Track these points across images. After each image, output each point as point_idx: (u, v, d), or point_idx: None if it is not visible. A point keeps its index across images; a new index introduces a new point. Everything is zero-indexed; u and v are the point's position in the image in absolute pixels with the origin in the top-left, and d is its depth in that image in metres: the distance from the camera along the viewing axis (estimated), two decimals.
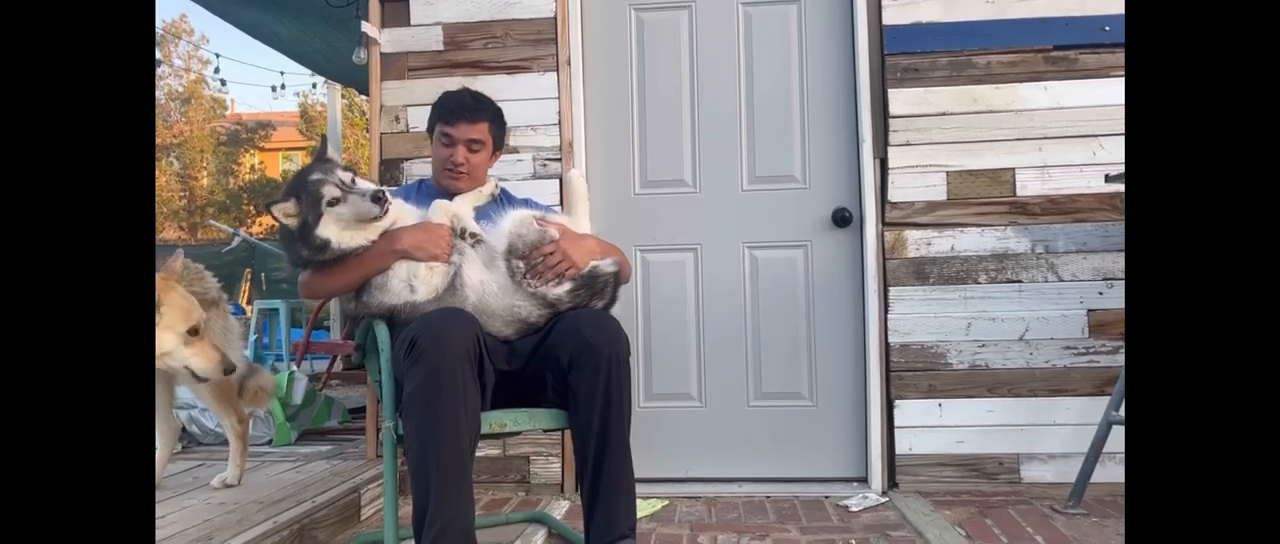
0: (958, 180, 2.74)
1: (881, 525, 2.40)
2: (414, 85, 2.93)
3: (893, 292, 2.76)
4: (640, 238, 2.93)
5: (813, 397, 2.88)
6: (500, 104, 2.31)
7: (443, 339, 1.74)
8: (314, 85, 12.55)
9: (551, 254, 1.99)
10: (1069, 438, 2.65)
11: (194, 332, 2.02)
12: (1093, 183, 2.67)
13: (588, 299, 2.02)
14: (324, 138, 2.15)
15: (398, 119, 2.94)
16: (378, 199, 1.90)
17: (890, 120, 2.76)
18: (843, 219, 2.83)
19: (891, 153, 2.76)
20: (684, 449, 2.91)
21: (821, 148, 2.89)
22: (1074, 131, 2.70)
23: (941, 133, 2.74)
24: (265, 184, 18.32)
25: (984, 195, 2.74)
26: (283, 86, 17.18)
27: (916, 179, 2.75)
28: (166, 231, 17.10)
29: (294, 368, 4.00)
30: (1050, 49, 2.73)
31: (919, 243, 2.75)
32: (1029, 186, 2.72)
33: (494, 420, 1.87)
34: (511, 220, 2.03)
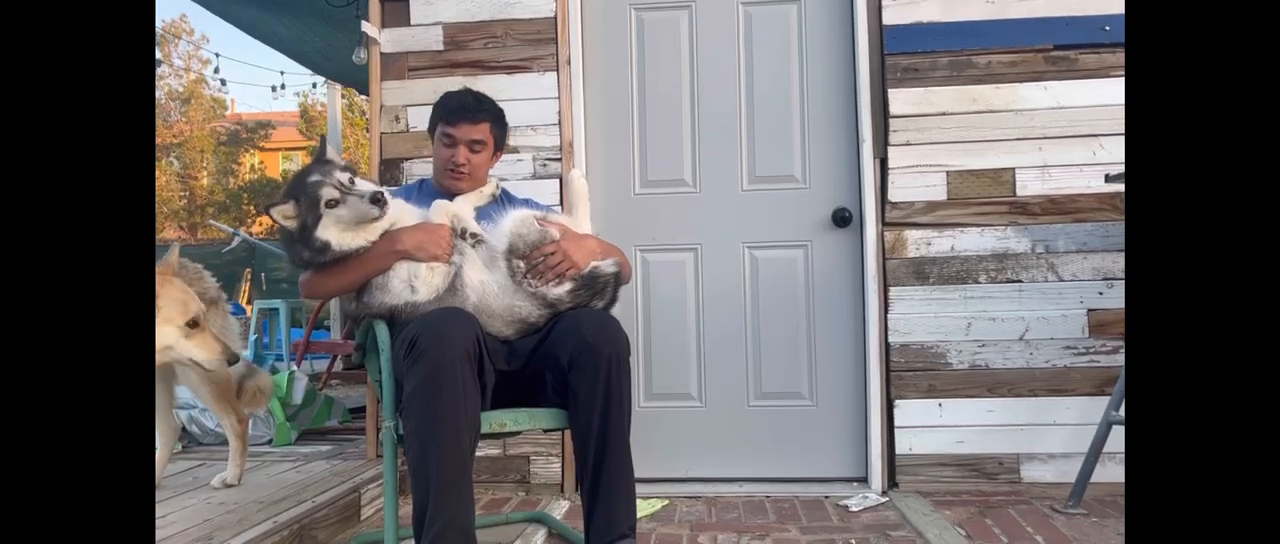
0: (958, 180, 2.74)
1: (881, 525, 2.40)
2: (414, 85, 2.93)
3: (893, 291, 2.76)
4: (640, 238, 2.93)
5: (813, 396, 2.88)
6: (500, 104, 2.31)
7: (443, 339, 1.74)
8: (314, 85, 12.56)
9: (552, 254, 1.99)
10: (1069, 438, 2.65)
11: (194, 324, 2.01)
12: (1093, 183, 2.67)
13: (588, 299, 2.02)
14: (323, 138, 2.15)
15: (398, 119, 2.94)
16: (376, 201, 1.90)
17: (890, 120, 2.76)
18: (843, 219, 2.83)
19: (891, 153, 2.76)
20: (684, 449, 2.91)
21: (821, 148, 2.89)
22: (1074, 131, 2.70)
23: (942, 133, 2.74)
24: (265, 184, 18.33)
25: (984, 195, 2.74)
26: (283, 86, 17.18)
27: (916, 179, 2.75)
28: (166, 231, 17.11)
29: (294, 368, 4.00)
30: (1050, 49, 2.73)
31: (919, 243, 2.75)
32: (1029, 186, 2.72)
33: (494, 420, 1.87)
34: (512, 220, 2.03)
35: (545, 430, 2.02)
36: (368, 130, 4.69)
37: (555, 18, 2.89)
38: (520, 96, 2.82)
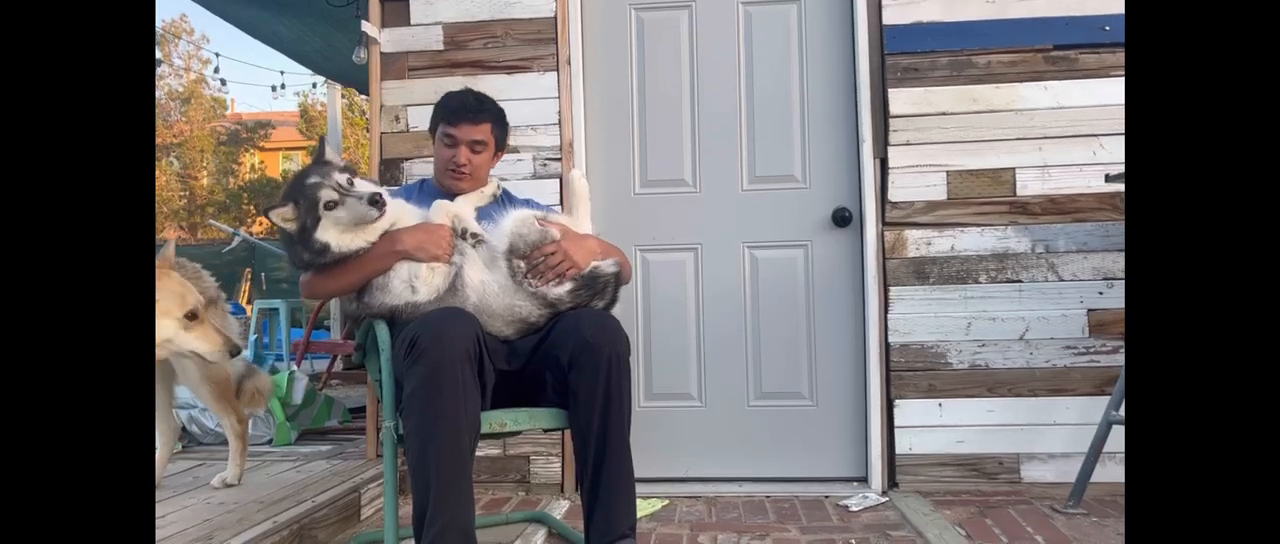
0: (958, 180, 2.74)
1: (881, 525, 2.40)
2: (414, 85, 2.93)
3: (893, 291, 2.76)
4: (640, 237, 2.93)
5: (813, 396, 2.88)
6: (501, 104, 2.31)
7: (443, 338, 1.74)
8: (314, 85, 12.57)
9: (552, 254, 1.99)
10: (1069, 438, 2.65)
11: (192, 316, 1.98)
12: (1093, 183, 2.67)
13: (588, 299, 2.02)
14: (322, 139, 2.15)
15: (398, 119, 2.94)
16: (374, 203, 1.90)
17: (890, 120, 2.76)
18: (843, 219, 2.83)
19: (891, 152, 2.76)
20: (684, 449, 2.91)
21: (821, 147, 2.89)
22: (1074, 131, 2.70)
23: (942, 132, 2.74)
24: (265, 184, 18.34)
25: (984, 195, 2.74)
26: (283, 86, 17.20)
27: (916, 179, 2.75)
28: (166, 231, 17.11)
29: (294, 367, 4.00)
30: (1050, 49, 2.73)
31: (919, 242, 2.75)
32: (1029, 186, 2.72)
33: (494, 420, 1.87)
34: (513, 220, 2.03)
35: (545, 430, 2.02)
36: (368, 130, 4.69)
37: (555, 18, 2.89)
38: (520, 96, 2.82)
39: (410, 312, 1.93)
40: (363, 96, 9.40)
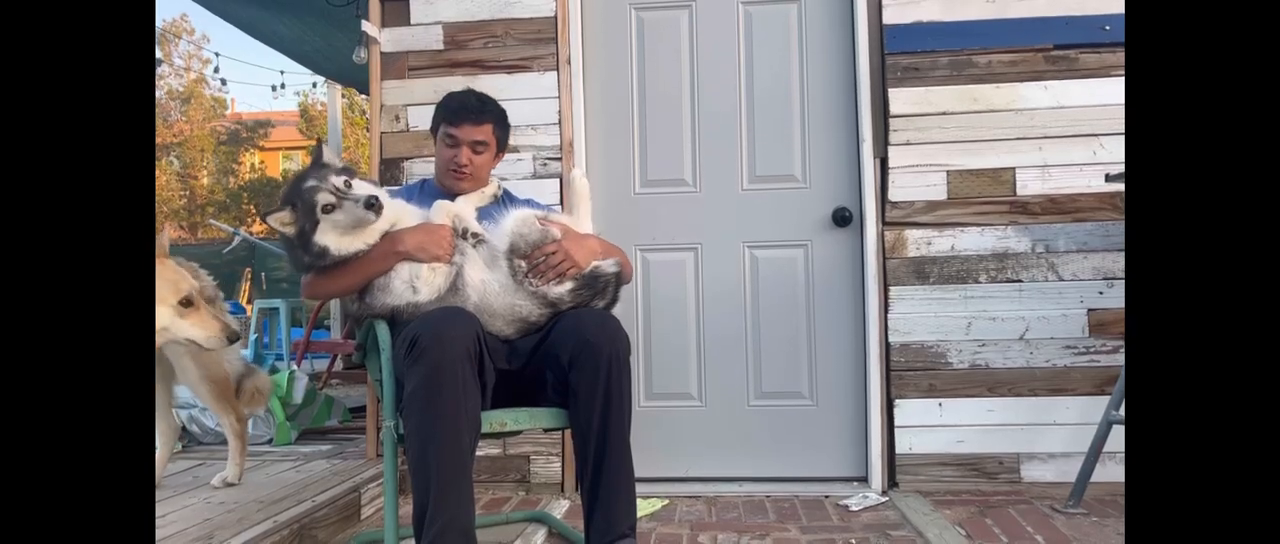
0: (958, 180, 2.74)
1: (881, 525, 2.40)
2: (414, 84, 2.93)
3: (893, 291, 2.76)
4: (640, 237, 2.93)
5: (813, 396, 2.88)
6: (501, 104, 2.31)
7: (443, 338, 1.74)
8: (314, 85, 12.56)
9: (553, 253, 1.99)
10: (1069, 437, 2.65)
11: (187, 303, 1.95)
12: (1093, 182, 2.67)
13: (589, 299, 2.02)
14: (319, 141, 2.15)
15: (398, 118, 2.94)
16: (371, 206, 1.90)
17: (890, 120, 2.76)
18: (843, 218, 2.83)
19: (892, 152, 2.76)
20: (684, 449, 2.91)
21: (822, 147, 2.89)
22: (1074, 131, 2.70)
23: (942, 132, 2.74)
24: (265, 183, 18.34)
25: (984, 195, 2.74)
26: (283, 86, 17.15)
27: (917, 178, 2.75)
28: (166, 231, 17.10)
29: (294, 367, 4.01)
30: (1050, 48, 2.73)
31: (919, 242, 2.75)
32: (1029, 186, 2.72)
33: (494, 419, 1.87)
34: (513, 220, 2.03)
35: (545, 430, 2.02)
36: (368, 130, 4.69)
37: (555, 17, 2.89)
38: (520, 96, 2.82)
39: (411, 311, 1.93)
40: (363, 96, 9.40)
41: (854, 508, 2.56)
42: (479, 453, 1.99)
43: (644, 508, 2.54)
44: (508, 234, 2.00)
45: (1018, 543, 2.20)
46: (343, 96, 8.69)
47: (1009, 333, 2.71)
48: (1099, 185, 2.65)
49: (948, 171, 2.74)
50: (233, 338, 2.02)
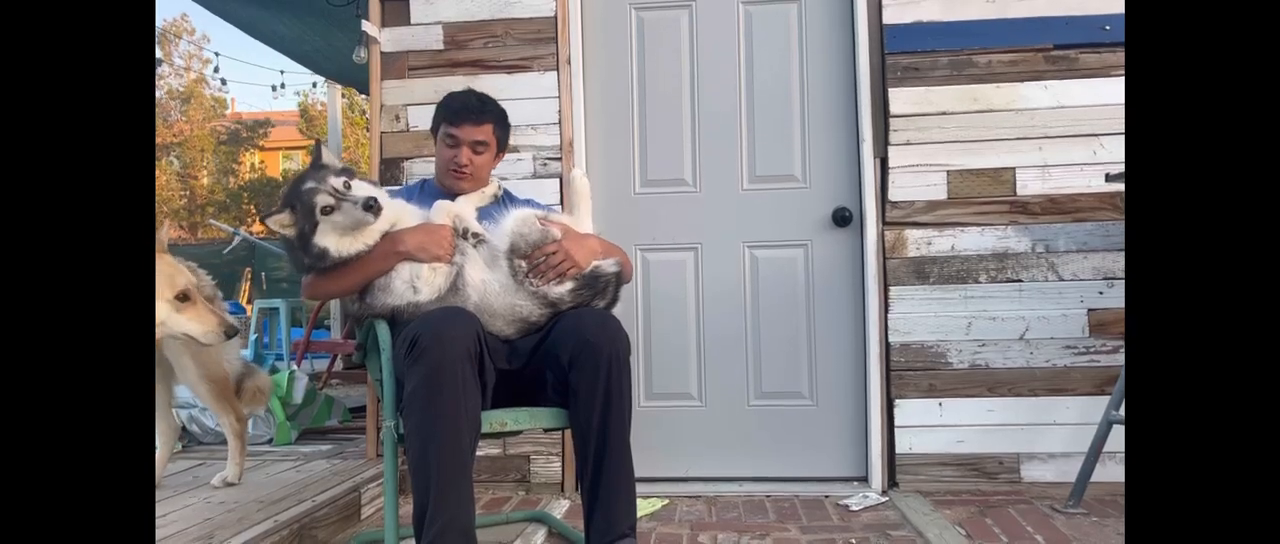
0: (958, 180, 2.74)
1: (882, 525, 2.40)
2: (414, 84, 2.93)
3: (893, 291, 2.76)
4: (640, 237, 2.93)
5: (813, 396, 2.88)
6: (501, 104, 2.31)
7: (443, 338, 1.74)
8: (314, 85, 12.55)
9: (553, 253, 1.99)
10: (1069, 437, 2.65)
11: (184, 297, 1.94)
12: (1093, 182, 2.67)
13: (589, 299, 2.02)
14: (318, 142, 2.14)
15: (398, 118, 2.94)
16: (370, 207, 1.90)
17: (890, 119, 2.76)
18: (843, 218, 2.83)
19: (892, 152, 2.76)
20: (684, 448, 2.91)
21: (822, 147, 2.89)
22: (1074, 131, 2.70)
23: (942, 132, 2.74)
24: (265, 183, 18.34)
25: (984, 195, 2.74)
26: (283, 86, 17.15)
27: (917, 178, 2.75)
28: (166, 231, 17.08)
29: (294, 367, 4.01)
30: (1051, 48, 2.73)
31: (919, 242, 2.75)
32: (1029, 186, 2.72)
33: (495, 419, 1.87)
34: (514, 219, 2.03)
35: (545, 430, 2.02)
36: (368, 130, 4.69)
37: (555, 17, 2.89)
38: (520, 96, 2.82)
39: (412, 311, 1.93)
40: (363, 96, 9.40)
41: (854, 508, 2.56)
42: (479, 453, 1.99)
43: (644, 508, 2.54)
44: (508, 234, 2.00)
45: (1018, 543, 2.20)
46: (343, 96, 8.69)
47: (1009, 333, 2.71)
48: (1099, 185, 2.65)
49: (948, 171, 2.74)
50: (230, 333, 2.01)
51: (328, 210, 1.91)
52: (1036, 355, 2.70)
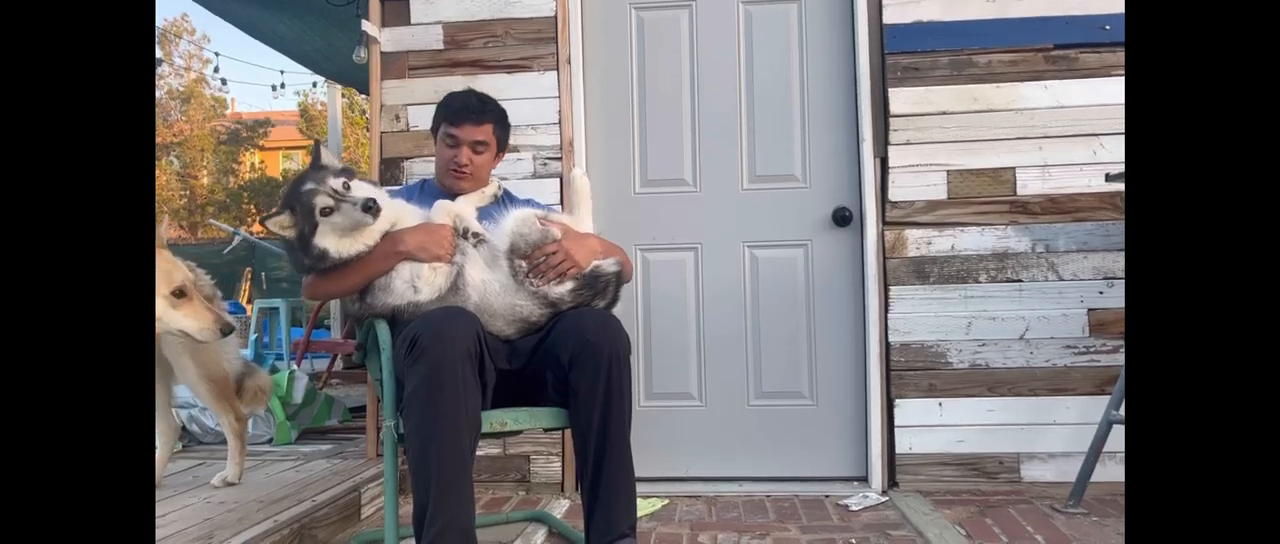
0: (958, 179, 2.74)
1: (881, 524, 2.40)
2: (414, 84, 2.93)
3: (893, 291, 2.76)
4: (640, 237, 2.93)
5: (813, 396, 2.88)
6: (501, 103, 2.31)
7: (444, 338, 1.74)
8: (314, 84, 12.55)
9: (554, 253, 1.99)
10: (1069, 437, 2.65)
11: (180, 293, 1.93)
12: (1093, 182, 2.67)
13: (590, 298, 2.02)
14: (317, 143, 2.14)
15: (398, 118, 2.94)
16: (368, 209, 1.89)
17: (891, 119, 2.76)
18: (843, 218, 2.83)
19: (892, 152, 2.76)
20: (684, 448, 2.91)
21: (822, 147, 2.89)
22: (1074, 131, 2.70)
23: (942, 132, 2.74)
24: (265, 183, 18.34)
25: (984, 194, 2.74)
26: (283, 86, 17.14)
27: (917, 178, 2.75)
28: (166, 231, 17.08)
29: (294, 367, 4.00)
30: (1051, 48, 2.73)
31: (919, 242, 2.75)
32: (1029, 186, 2.72)
33: (495, 419, 1.87)
34: (514, 219, 2.03)
35: (546, 429, 2.02)
36: (368, 129, 4.69)
37: (555, 17, 2.89)
38: (520, 95, 2.82)
39: (412, 311, 1.93)
40: (363, 96, 9.40)
41: (854, 508, 2.56)
42: (479, 453, 1.99)
43: (644, 508, 2.54)
44: (508, 234, 2.00)
45: (1018, 543, 2.20)
46: (343, 96, 8.69)
47: (1009, 333, 2.71)
48: (1099, 185, 2.65)
49: (948, 171, 2.74)
50: (226, 330, 1.99)
51: (327, 212, 1.91)
52: (1036, 355, 2.70)
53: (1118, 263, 2.68)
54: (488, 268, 1.99)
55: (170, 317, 1.92)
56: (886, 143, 2.77)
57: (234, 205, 17.73)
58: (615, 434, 1.85)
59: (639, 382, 2.91)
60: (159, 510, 2.16)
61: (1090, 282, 2.69)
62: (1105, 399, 2.51)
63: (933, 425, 2.73)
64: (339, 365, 4.91)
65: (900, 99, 2.76)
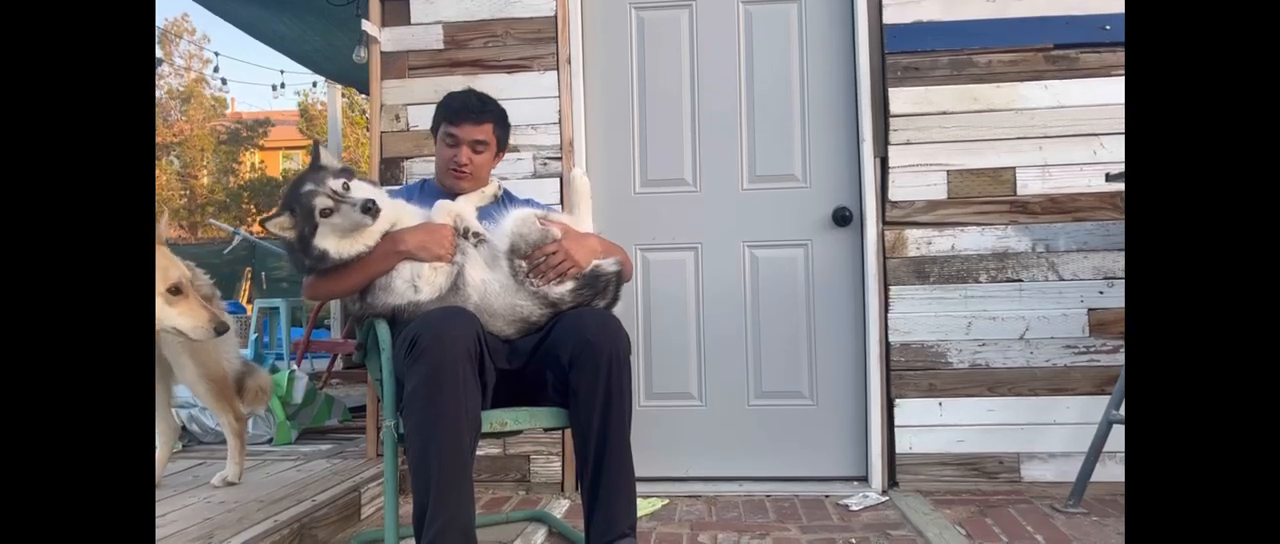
0: (958, 179, 2.74)
1: (882, 524, 2.40)
2: (414, 84, 2.93)
3: (893, 291, 2.76)
4: (640, 236, 2.93)
5: (813, 396, 2.88)
6: (501, 103, 2.31)
7: (444, 338, 1.74)
8: (314, 84, 12.56)
9: (554, 253, 1.98)
10: (1069, 437, 2.65)
11: (176, 290, 1.91)
12: (1093, 182, 2.68)
13: (590, 298, 2.02)
14: (316, 144, 2.14)
15: (398, 118, 2.94)
16: (367, 210, 1.89)
17: (891, 119, 2.76)
18: (843, 218, 2.83)
19: (892, 152, 2.76)
20: (684, 448, 2.91)
21: (822, 146, 2.89)
22: (1075, 130, 2.70)
23: (942, 132, 2.74)
24: (265, 183, 18.34)
25: (984, 194, 2.74)
26: (283, 85, 17.16)
27: (917, 178, 2.75)
28: (165, 218, 17.08)
29: (294, 367, 4.00)
30: (1051, 48, 2.73)
31: (919, 242, 2.75)
32: (1029, 186, 2.72)
33: (495, 419, 1.87)
34: (514, 219, 2.03)
35: (546, 429, 2.02)
36: (368, 129, 4.69)
37: (555, 17, 2.89)
38: (520, 95, 2.82)
39: (413, 311, 1.93)
40: (363, 96, 9.41)
41: (854, 507, 2.56)
42: (479, 453, 1.99)
43: (644, 507, 2.54)
44: (508, 234, 2.00)
45: (1018, 542, 2.20)
46: (343, 96, 8.69)
47: (1009, 332, 2.71)
48: (1099, 185, 2.65)
49: (948, 171, 2.74)
50: (221, 329, 1.98)
51: (327, 213, 1.91)
52: (1036, 355, 2.70)
53: (1118, 263, 2.68)
54: (488, 268, 1.99)
55: (165, 314, 1.91)
56: (886, 143, 2.77)
57: (234, 205, 17.73)
58: (615, 434, 1.85)
59: (639, 381, 2.91)
60: (159, 510, 2.16)
61: (1090, 281, 2.69)
62: (1105, 399, 2.51)
63: (933, 425, 2.73)
64: (339, 365, 4.91)
65: (900, 99, 2.76)
